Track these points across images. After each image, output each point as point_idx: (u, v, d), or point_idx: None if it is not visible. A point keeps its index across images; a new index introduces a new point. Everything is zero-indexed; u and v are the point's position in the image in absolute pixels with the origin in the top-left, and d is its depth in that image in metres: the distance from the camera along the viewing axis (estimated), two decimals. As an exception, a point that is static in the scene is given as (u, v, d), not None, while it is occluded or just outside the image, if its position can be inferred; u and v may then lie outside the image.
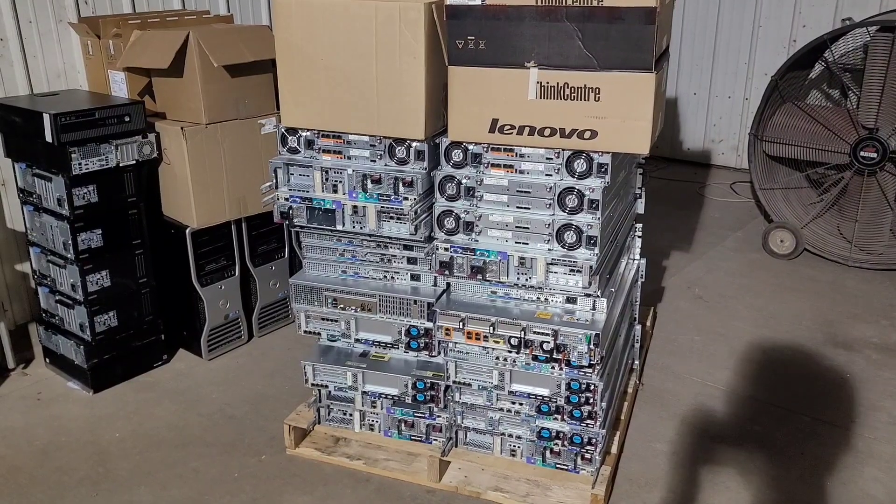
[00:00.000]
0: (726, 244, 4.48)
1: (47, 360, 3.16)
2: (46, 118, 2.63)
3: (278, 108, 3.21)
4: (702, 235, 4.60)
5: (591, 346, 2.12)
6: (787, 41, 5.31)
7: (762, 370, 3.17)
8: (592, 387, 2.20)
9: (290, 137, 2.32)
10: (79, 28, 3.14)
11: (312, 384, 2.54)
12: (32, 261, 3.03)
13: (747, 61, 5.53)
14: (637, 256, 2.81)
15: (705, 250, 4.38)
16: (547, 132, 2.03)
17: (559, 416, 2.28)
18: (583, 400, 2.23)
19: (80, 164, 2.72)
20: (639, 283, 2.81)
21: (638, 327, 2.89)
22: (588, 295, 2.17)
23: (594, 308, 2.20)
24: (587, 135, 1.99)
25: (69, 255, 2.84)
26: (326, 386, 2.53)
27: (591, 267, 2.08)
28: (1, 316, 3.06)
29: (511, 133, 2.06)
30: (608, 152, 2.02)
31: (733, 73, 5.62)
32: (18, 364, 3.15)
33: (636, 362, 2.96)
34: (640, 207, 2.79)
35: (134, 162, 2.89)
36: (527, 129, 2.04)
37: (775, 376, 3.12)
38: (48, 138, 2.66)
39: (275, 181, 2.34)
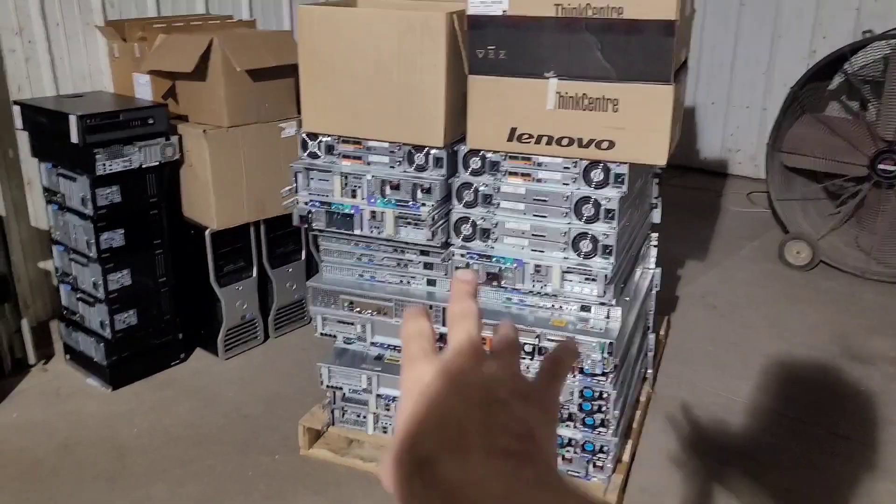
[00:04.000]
0: (742, 254, 4.47)
1: (67, 356, 3.21)
2: (73, 119, 2.69)
3: (299, 112, 3.24)
4: (717, 245, 4.60)
5: (606, 355, 2.13)
6: (807, 52, 5.30)
7: (776, 381, 3.17)
8: (606, 395, 2.22)
9: (310, 142, 2.35)
10: (105, 31, 3.19)
11: (327, 386, 2.57)
12: (55, 259, 3.08)
13: (766, 72, 5.52)
14: (652, 266, 2.82)
15: (720, 260, 4.37)
16: (565, 142, 2.05)
17: (572, 424, 2.30)
18: (596, 408, 2.24)
19: (104, 164, 2.77)
20: (653, 292, 2.82)
21: (651, 336, 2.90)
22: (603, 303, 2.19)
23: (608, 316, 2.21)
24: (605, 145, 2.01)
25: (91, 254, 2.89)
26: (341, 388, 2.56)
27: (606, 276, 2.10)
28: (23, 312, 3.12)
29: (529, 142, 2.09)
30: (625, 162, 2.04)
31: (751, 84, 5.60)
32: (39, 360, 3.20)
33: (649, 371, 2.97)
34: (656, 217, 2.80)
35: (156, 163, 2.94)
36: (545, 139, 2.07)
37: (789, 388, 3.12)
38: (74, 139, 2.71)
39: (295, 185, 2.37)
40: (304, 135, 2.35)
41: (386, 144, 2.26)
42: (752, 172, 5.74)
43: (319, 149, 2.34)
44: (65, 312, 3.16)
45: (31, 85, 3.05)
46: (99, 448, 2.67)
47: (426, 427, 0.49)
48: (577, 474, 2.37)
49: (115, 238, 2.90)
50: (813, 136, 4.16)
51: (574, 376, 2.23)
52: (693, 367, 3.24)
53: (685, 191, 5.50)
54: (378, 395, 2.52)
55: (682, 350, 3.38)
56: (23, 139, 3.01)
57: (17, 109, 2.91)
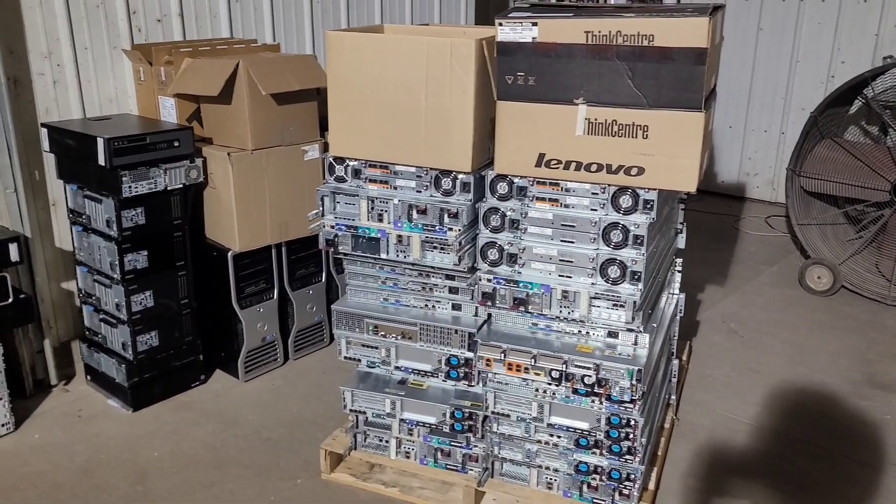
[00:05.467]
0: (762, 279, 4.45)
1: (88, 377, 3.22)
2: (100, 142, 2.71)
3: (321, 136, 3.28)
4: (737, 269, 4.58)
5: (634, 382, 2.12)
6: (826, 77, 5.30)
7: (797, 408, 3.13)
8: (633, 422, 2.19)
9: (337, 166, 2.36)
10: (132, 55, 3.23)
11: (350, 410, 2.56)
12: (78, 280, 3.10)
13: (784, 96, 5.52)
14: (676, 291, 2.81)
15: (740, 284, 4.35)
16: (594, 168, 2.05)
17: (598, 451, 2.28)
18: (623, 435, 2.22)
19: (130, 186, 2.79)
20: (677, 318, 2.80)
21: (675, 362, 2.88)
22: (630, 330, 2.18)
23: (636, 343, 2.20)
24: (634, 171, 2.01)
25: (115, 276, 2.90)
26: (364, 412, 2.55)
27: (634, 302, 2.09)
28: (45, 333, 3.13)
29: (557, 168, 2.09)
30: (655, 189, 2.03)
31: (769, 108, 5.61)
32: (60, 380, 3.20)
33: (673, 397, 2.94)
34: (681, 242, 2.79)
35: (181, 185, 2.96)
36: (573, 164, 2.07)
37: (810, 414, 3.08)
38: (101, 161, 2.73)
39: (321, 209, 2.38)
40: (331, 159, 2.36)
41: (413, 169, 2.27)
42: (770, 196, 5.73)
43: (346, 173, 2.35)
44: (87, 333, 3.17)
45: (58, 107, 3.08)
46: (119, 471, 2.67)
47: None
48: (602, 502, 2.35)
49: (139, 260, 2.92)
50: (834, 161, 4.15)
51: (601, 403, 2.21)
52: (715, 393, 3.21)
53: (703, 215, 5.48)
54: (402, 420, 2.51)
55: (704, 376, 3.35)
56: (49, 161, 3.03)
57: (44, 132, 2.94)
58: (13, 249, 2.76)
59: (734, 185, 5.84)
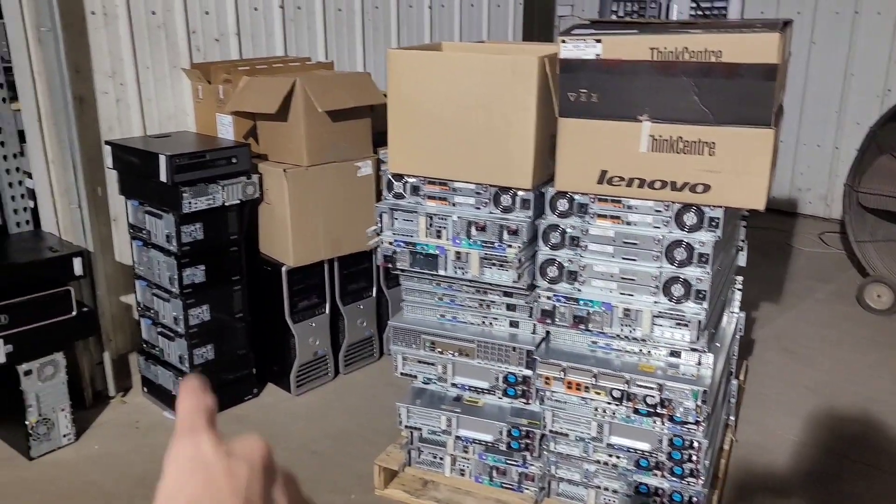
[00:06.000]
0: (817, 296, 4.35)
1: (145, 389, 3.27)
2: (162, 159, 2.77)
3: (374, 152, 3.30)
4: (790, 287, 4.48)
5: (699, 403, 2.08)
6: (882, 91, 5.19)
7: (854, 428, 3.05)
8: (697, 444, 2.15)
9: (395, 183, 2.37)
10: (191, 74, 3.30)
11: (406, 426, 2.56)
12: (137, 293, 3.16)
13: (838, 110, 5.41)
14: (737, 310, 2.76)
15: (795, 302, 4.26)
16: (657, 185, 2.03)
17: (659, 473, 2.24)
18: (686, 457, 2.18)
19: (189, 202, 2.84)
20: (737, 337, 2.75)
21: (735, 382, 2.82)
22: (694, 349, 2.14)
23: (699, 363, 2.16)
24: (700, 188, 1.98)
25: (174, 290, 2.95)
26: (419, 428, 2.55)
27: (699, 321, 2.06)
28: (105, 345, 3.19)
29: (620, 185, 2.07)
30: (721, 206, 2.00)
31: (822, 122, 5.50)
32: (118, 392, 3.26)
33: (732, 418, 2.89)
34: (742, 260, 2.74)
35: (238, 201, 3.00)
36: (636, 182, 2.05)
37: (867, 435, 3.00)
38: (163, 178, 2.78)
39: (379, 225, 2.39)
40: (389, 175, 2.37)
41: (472, 185, 2.27)
42: (824, 212, 5.61)
43: (405, 189, 2.36)
44: (144, 346, 3.23)
45: (120, 125, 3.15)
46: (178, 483, 2.69)
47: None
48: (662, 525, 2.30)
49: (197, 274, 2.96)
50: (894, 176, 4.05)
51: (663, 424, 2.17)
52: (772, 413, 3.14)
53: (754, 230, 5.35)
54: (457, 437, 2.49)
55: (762, 396, 3.28)
56: (111, 177, 3.10)
57: (107, 149, 3.01)
58: (77, 264, 2.82)
59: (785, 200, 5.74)
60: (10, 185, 3.03)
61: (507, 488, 2.51)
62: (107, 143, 3.02)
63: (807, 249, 5.09)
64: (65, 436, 2.89)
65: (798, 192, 5.72)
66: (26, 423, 2.77)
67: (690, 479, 2.20)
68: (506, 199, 2.24)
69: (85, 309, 2.91)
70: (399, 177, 2.36)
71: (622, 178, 2.06)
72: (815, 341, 3.79)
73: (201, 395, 0.54)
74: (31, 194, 3.13)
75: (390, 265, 2.41)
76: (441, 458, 2.58)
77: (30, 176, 3.11)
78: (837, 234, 5.19)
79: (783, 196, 5.74)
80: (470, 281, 2.35)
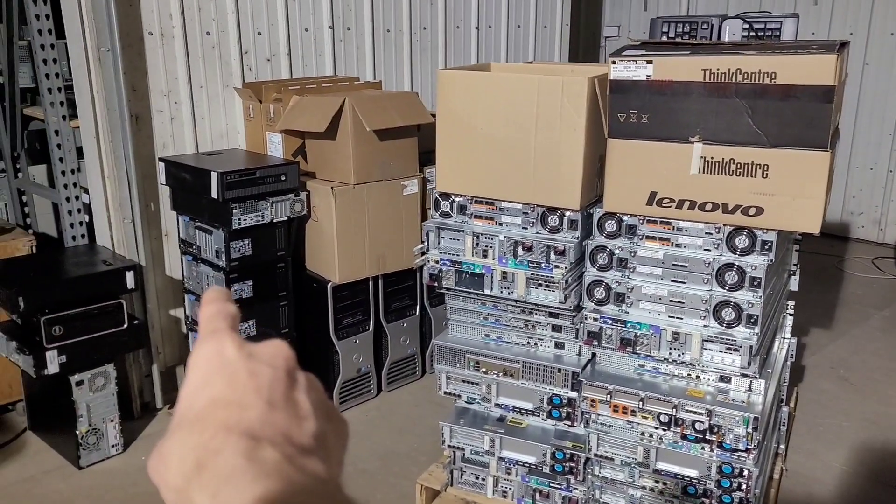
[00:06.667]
0: (872, 323, 4.23)
1: (191, 402, 3.31)
2: (214, 176, 2.82)
3: (420, 171, 3.32)
4: (843, 313, 4.37)
5: (749, 430, 2.03)
6: (939, 112, 5.06)
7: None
8: (747, 472, 2.10)
9: (443, 202, 2.38)
10: (243, 93, 3.37)
11: (449, 446, 2.54)
12: (186, 307, 3.21)
13: (892, 132, 5.29)
14: (788, 335, 2.69)
15: (848, 329, 4.15)
16: (708, 207, 2.00)
17: (707, 501, 2.18)
18: (735, 485, 2.13)
19: (239, 219, 2.88)
20: (788, 363, 2.69)
21: (785, 409, 2.75)
22: (745, 375, 2.10)
23: (750, 389, 2.11)
24: (752, 211, 1.95)
25: (222, 304, 2.98)
26: (462, 448, 2.53)
27: (751, 347, 2.01)
28: (154, 358, 3.25)
29: (670, 206, 2.04)
30: (774, 230, 1.97)
31: (876, 145, 5.38)
32: (165, 404, 3.31)
33: (782, 446, 2.81)
34: (794, 285, 2.69)
35: (286, 218, 3.05)
36: (687, 203, 2.02)
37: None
38: (214, 194, 2.84)
39: (426, 244, 2.40)
40: (437, 194, 2.38)
41: (519, 205, 2.26)
42: (877, 237, 5.47)
43: (452, 208, 2.36)
44: (192, 359, 3.27)
45: (174, 142, 3.23)
46: (222, 496, 2.72)
47: (227, 400, 0.47)
48: (710, 554, 2.25)
49: (245, 289, 3.01)
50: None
51: (712, 450, 2.13)
52: (826, 443, 3.05)
53: (804, 255, 5.26)
54: (500, 458, 2.47)
55: (814, 425, 3.19)
56: (164, 193, 3.17)
57: (161, 166, 3.09)
58: (130, 277, 2.89)
59: (837, 224, 5.61)
60: (68, 199, 3.12)
61: (550, 512, 2.48)
62: (160, 159, 3.09)
63: (860, 275, 4.96)
64: (113, 446, 2.94)
65: (850, 215, 5.59)
66: (76, 432, 2.83)
67: (740, 509, 2.14)
68: (553, 220, 2.23)
69: (136, 322, 2.97)
70: (446, 196, 2.37)
71: (672, 200, 2.04)
72: (873, 370, 3.68)
73: (223, 302, 0.54)
74: (87, 209, 3.22)
75: (436, 284, 2.41)
76: (483, 479, 2.56)
77: (86, 191, 3.20)
78: (892, 259, 5.05)
79: (834, 220, 5.61)
80: (515, 301, 2.34)
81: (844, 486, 2.79)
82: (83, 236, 3.19)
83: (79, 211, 3.16)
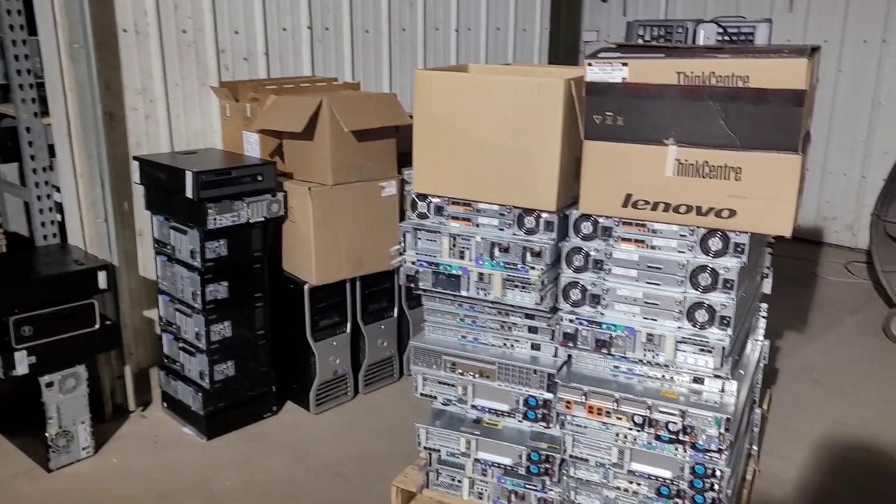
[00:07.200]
0: (844, 327, 4.28)
1: (165, 404, 3.28)
2: (189, 175, 2.79)
3: (399, 172, 3.32)
4: (816, 316, 4.42)
5: (722, 431, 2.04)
6: (910, 119, 5.14)
7: (883, 462, 2.98)
8: (720, 473, 2.11)
9: (420, 203, 2.37)
10: (219, 92, 3.34)
11: (424, 447, 2.53)
12: (160, 308, 3.18)
13: (865, 139, 5.37)
14: (761, 338, 2.72)
15: (821, 332, 4.19)
16: (683, 209, 2.01)
17: (680, 500, 2.20)
18: (708, 486, 2.14)
19: (214, 219, 2.86)
20: (761, 365, 2.71)
21: (758, 411, 2.78)
22: (718, 376, 2.11)
23: (723, 390, 2.13)
24: (725, 213, 1.96)
25: (196, 305, 2.96)
26: (438, 450, 2.52)
27: (723, 348, 2.03)
28: (126, 359, 3.21)
29: (645, 208, 2.06)
30: (747, 232, 1.98)
31: (849, 150, 5.46)
32: (138, 406, 3.27)
33: (755, 447, 2.83)
34: (767, 287, 2.71)
35: (262, 219, 3.02)
36: (661, 206, 2.03)
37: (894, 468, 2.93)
38: (188, 194, 2.81)
39: (403, 245, 2.39)
40: (414, 195, 2.37)
41: (496, 207, 2.26)
42: (850, 242, 5.54)
43: (429, 209, 2.36)
44: (165, 361, 3.24)
45: (148, 141, 3.20)
46: (195, 500, 2.69)
47: None
48: (683, 555, 2.26)
49: (220, 290, 2.98)
50: (922, 207, 4.00)
51: (685, 451, 2.14)
52: (799, 445, 3.09)
53: (779, 259, 5.30)
54: (476, 460, 2.47)
55: (787, 427, 3.22)
56: (137, 192, 3.14)
57: (135, 164, 3.05)
58: (102, 277, 2.85)
59: (811, 229, 5.67)
60: (39, 198, 3.08)
61: (525, 513, 2.47)
62: (135, 158, 3.06)
63: (833, 279, 5.02)
64: (84, 449, 2.90)
65: (824, 220, 5.66)
66: (46, 434, 2.79)
67: (713, 509, 2.15)
68: (529, 221, 2.23)
69: (108, 322, 2.93)
70: (423, 196, 2.37)
71: (647, 202, 2.05)
72: (846, 374, 3.72)
73: None
74: (59, 208, 3.17)
75: (412, 285, 2.40)
76: (459, 481, 2.56)
77: (58, 190, 3.16)
78: (864, 265, 5.12)
79: (808, 225, 5.68)
80: (492, 302, 2.34)
81: (816, 486, 2.81)
82: (55, 235, 3.15)
83: (50, 210, 3.12)
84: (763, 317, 2.73)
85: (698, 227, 2.03)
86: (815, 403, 3.43)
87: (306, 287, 3.16)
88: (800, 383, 3.61)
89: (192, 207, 2.86)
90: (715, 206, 1.98)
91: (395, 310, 3.53)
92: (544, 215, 2.20)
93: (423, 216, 2.38)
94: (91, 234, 3.08)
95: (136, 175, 3.06)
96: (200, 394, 3.05)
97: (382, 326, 3.50)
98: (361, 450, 3.03)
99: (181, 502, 2.67)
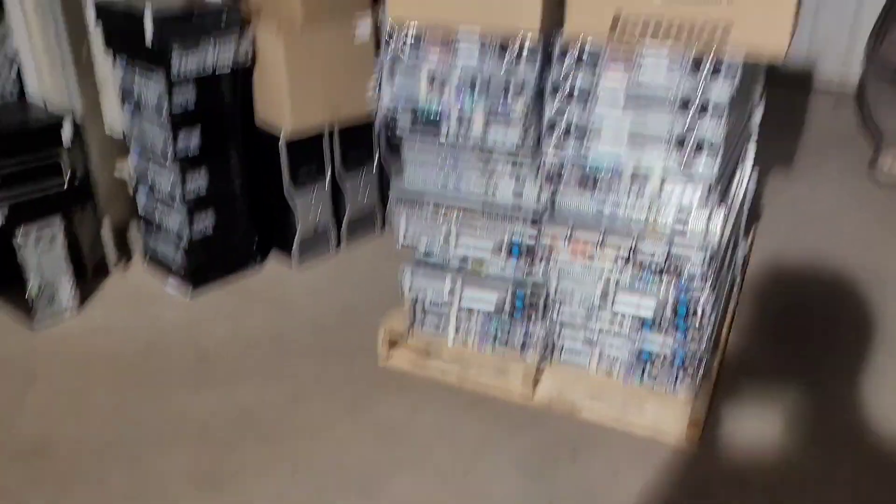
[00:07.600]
0: (831, 165, 4.26)
1: (146, 260, 3.24)
2: (147, 15, 2.61)
3: (373, 8, 3.13)
4: (803, 154, 4.39)
5: (706, 262, 2.03)
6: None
7: (866, 290, 3.04)
8: (702, 304, 2.12)
9: (395, 37, 2.22)
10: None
11: (408, 293, 2.52)
12: (131, 162, 3.07)
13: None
14: (749, 170, 2.66)
15: (807, 170, 4.18)
16: (673, 31, 1.89)
17: (663, 333, 2.22)
18: (690, 318, 2.15)
19: (179, 61, 2.70)
20: (748, 198, 2.68)
21: (743, 244, 2.77)
22: (703, 208, 2.07)
23: (709, 221, 2.09)
24: (717, 34, 1.85)
25: (169, 157, 2.86)
26: (423, 296, 2.51)
27: (710, 177, 1.97)
28: (102, 216, 3.13)
29: (634, 31, 1.93)
30: (739, 56, 1.88)
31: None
32: (118, 263, 3.23)
33: (738, 281, 2.85)
34: (757, 118, 2.63)
35: (231, 64, 2.87)
36: (651, 27, 1.91)
37: (882, 304, 2.99)
38: (148, 43, 2.64)
39: (379, 78, 2.26)
40: (388, 29, 2.23)
41: (476, 39, 2.13)
42: (839, 82, 5.42)
43: (405, 46, 2.22)
44: (143, 216, 3.17)
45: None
46: (181, 352, 2.70)
47: None
48: (663, 386, 2.30)
49: (192, 139, 2.87)
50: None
51: (670, 284, 2.13)
52: (779, 277, 3.12)
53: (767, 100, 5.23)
54: (460, 303, 2.46)
55: (773, 260, 3.25)
56: (96, 41, 2.95)
57: (91, 8, 2.85)
58: (66, 130, 2.73)
59: (801, 69, 5.52)
60: (-10, 49, 2.89)
61: (510, 354, 2.50)
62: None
63: (821, 117, 4.95)
64: (66, 308, 2.88)
65: (815, 59, 5.50)
66: (27, 294, 2.76)
67: (693, 340, 2.18)
68: (511, 51, 2.10)
69: (77, 175, 2.83)
70: (399, 30, 2.22)
71: (636, 25, 1.93)
72: (828, 210, 3.73)
73: None
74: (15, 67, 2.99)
75: (390, 131, 2.30)
76: (444, 327, 2.57)
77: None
78: (852, 106, 5.03)
79: (799, 66, 5.53)
80: (472, 146, 2.25)
81: (798, 319, 2.87)
82: (12, 94, 2.98)
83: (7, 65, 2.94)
84: (752, 150, 2.66)
85: (689, 50, 1.92)
86: (800, 239, 3.45)
87: (282, 138, 3.04)
88: (785, 218, 3.62)
89: (153, 54, 2.69)
90: (707, 28, 1.86)
91: (375, 161, 3.44)
92: (527, 45, 2.08)
93: (398, 52, 2.23)
94: (50, 86, 2.91)
95: (91, 23, 2.86)
96: (181, 247, 3.00)
97: (362, 179, 3.41)
98: (345, 303, 3.02)
99: (169, 355, 2.68)
